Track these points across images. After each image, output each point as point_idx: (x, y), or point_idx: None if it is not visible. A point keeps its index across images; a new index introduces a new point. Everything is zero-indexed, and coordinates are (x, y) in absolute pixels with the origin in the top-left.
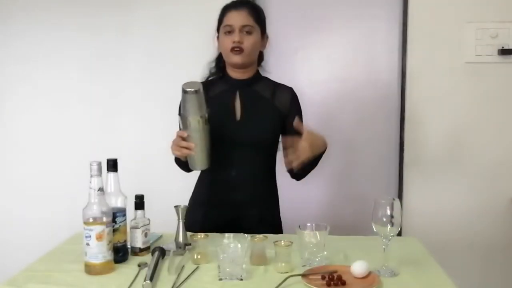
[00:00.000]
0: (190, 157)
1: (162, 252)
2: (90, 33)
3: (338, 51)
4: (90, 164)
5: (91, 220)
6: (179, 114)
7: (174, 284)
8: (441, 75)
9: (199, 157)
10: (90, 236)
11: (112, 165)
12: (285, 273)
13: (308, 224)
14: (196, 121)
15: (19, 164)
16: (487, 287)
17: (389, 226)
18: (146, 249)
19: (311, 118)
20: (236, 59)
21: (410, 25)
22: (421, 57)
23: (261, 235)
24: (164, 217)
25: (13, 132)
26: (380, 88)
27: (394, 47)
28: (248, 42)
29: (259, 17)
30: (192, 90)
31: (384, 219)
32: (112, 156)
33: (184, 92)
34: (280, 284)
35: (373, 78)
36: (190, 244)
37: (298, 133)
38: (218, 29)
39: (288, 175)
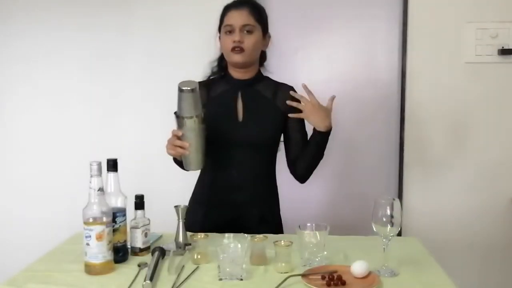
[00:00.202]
0: (185, 157)
1: (162, 252)
2: (90, 33)
3: (338, 51)
4: (90, 164)
5: (91, 220)
6: (175, 113)
7: (174, 284)
8: (441, 75)
9: (194, 157)
10: (90, 236)
11: (112, 165)
12: (285, 273)
13: (308, 224)
14: (191, 120)
15: (19, 164)
16: (487, 287)
17: (389, 226)
18: (146, 249)
19: None
20: (237, 58)
21: (410, 25)
22: (421, 57)
23: (261, 235)
24: (164, 217)
25: (13, 132)
26: (380, 88)
27: (394, 47)
28: (249, 41)
29: (260, 16)
30: (188, 89)
31: (384, 219)
32: (112, 156)
33: (180, 90)
34: (280, 284)
35: (373, 78)
36: (190, 244)
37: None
38: (219, 29)
39: (288, 175)
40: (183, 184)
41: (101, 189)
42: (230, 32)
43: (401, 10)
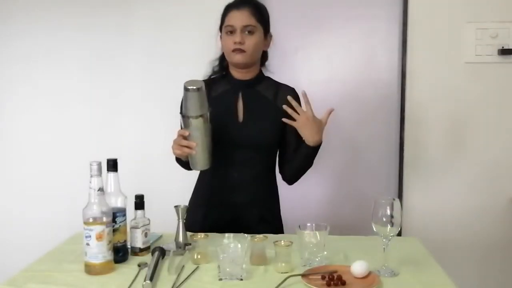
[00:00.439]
0: (191, 157)
1: (162, 252)
2: (90, 33)
3: (338, 51)
4: (90, 164)
5: (91, 220)
6: (181, 112)
7: (174, 284)
8: (441, 75)
9: (200, 157)
10: (90, 236)
11: (112, 165)
12: (285, 273)
13: (308, 224)
14: (197, 120)
15: (19, 164)
16: (487, 287)
17: (389, 226)
18: (146, 249)
19: None
20: (238, 59)
21: (410, 25)
22: (421, 57)
23: (261, 235)
24: (164, 217)
25: (13, 132)
26: (380, 88)
27: (394, 47)
28: (250, 42)
29: (261, 16)
30: (194, 88)
31: (384, 219)
32: (112, 156)
33: (186, 90)
34: (280, 284)
35: (373, 78)
36: (190, 244)
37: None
38: (220, 29)
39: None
40: (183, 184)
41: (101, 189)
42: (231, 32)
43: (401, 10)
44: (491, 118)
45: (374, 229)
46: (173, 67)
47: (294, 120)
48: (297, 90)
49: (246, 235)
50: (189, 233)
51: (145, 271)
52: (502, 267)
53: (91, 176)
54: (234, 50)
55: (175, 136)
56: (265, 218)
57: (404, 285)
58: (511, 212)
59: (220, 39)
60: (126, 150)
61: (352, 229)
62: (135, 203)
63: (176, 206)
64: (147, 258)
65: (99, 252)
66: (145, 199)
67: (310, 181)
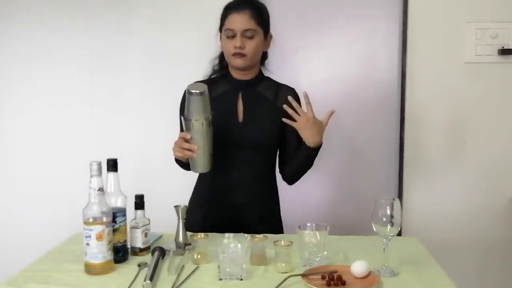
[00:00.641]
0: (192, 160)
1: (162, 252)
2: (90, 33)
3: (338, 51)
4: (90, 164)
5: (91, 220)
6: (182, 115)
7: (174, 284)
8: (441, 75)
9: (201, 160)
10: (90, 236)
11: (112, 165)
12: (285, 273)
13: (308, 224)
14: (200, 123)
15: (19, 164)
16: (487, 287)
17: (389, 226)
18: (146, 249)
19: None
20: (238, 63)
21: (410, 25)
22: (421, 57)
23: (261, 235)
24: (164, 217)
25: (13, 132)
26: (380, 88)
27: (394, 47)
28: (250, 46)
29: (261, 18)
30: (198, 92)
31: (384, 219)
32: (112, 156)
33: (189, 93)
34: (280, 284)
35: (373, 78)
36: (190, 244)
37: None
38: (220, 29)
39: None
40: (183, 184)
41: (101, 189)
42: (231, 36)
43: (401, 10)
44: (491, 118)
45: (374, 229)
46: (173, 67)
47: (294, 120)
48: (297, 90)
49: (246, 235)
50: (189, 233)
51: (145, 271)
52: (502, 267)
53: (91, 176)
54: (234, 54)
55: (175, 137)
56: (265, 218)
57: (404, 285)
58: (511, 212)
59: (220, 39)
60: (126, 150)
61: (352, 229)
62: (135, 203)
63: (176, 206)
64: (147, 258)
65: (99, 252)
66: (145, 199)
67: (310, 181)
